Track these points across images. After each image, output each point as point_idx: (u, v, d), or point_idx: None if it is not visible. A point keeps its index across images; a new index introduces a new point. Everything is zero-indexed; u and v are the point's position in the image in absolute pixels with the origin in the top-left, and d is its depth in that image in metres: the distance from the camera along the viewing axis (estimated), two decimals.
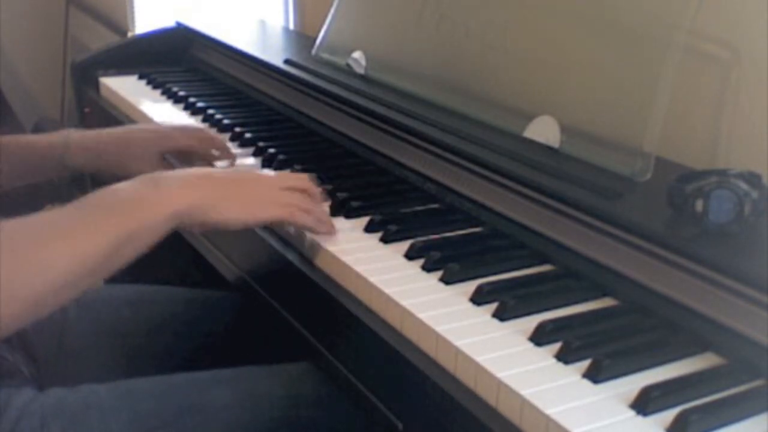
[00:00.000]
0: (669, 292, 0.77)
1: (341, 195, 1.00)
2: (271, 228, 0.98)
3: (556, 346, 0.72)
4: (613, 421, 0.63)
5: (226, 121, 1.33)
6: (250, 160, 1.19)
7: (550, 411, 0.63)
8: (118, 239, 0.78)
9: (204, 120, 1.38)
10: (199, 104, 1.43)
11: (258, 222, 0.91)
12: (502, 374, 0.68)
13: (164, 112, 1.43)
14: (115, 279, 0.83)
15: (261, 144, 1.21)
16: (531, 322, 0.75)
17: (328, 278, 0.89)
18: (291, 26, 1.87)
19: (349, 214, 0.97)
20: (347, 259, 0.87)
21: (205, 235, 1.16)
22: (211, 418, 0.92)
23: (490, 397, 0.68)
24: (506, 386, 0.67)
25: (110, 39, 2.42)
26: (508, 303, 0.77)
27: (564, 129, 0.98)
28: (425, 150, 1.06)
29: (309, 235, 0.92)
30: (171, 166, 1.12)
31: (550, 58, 1.02)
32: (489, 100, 1.08)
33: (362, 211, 0.97)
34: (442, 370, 0.73)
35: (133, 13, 2.45)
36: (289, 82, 1.38)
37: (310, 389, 0.96)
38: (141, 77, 1.63)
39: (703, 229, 0.78)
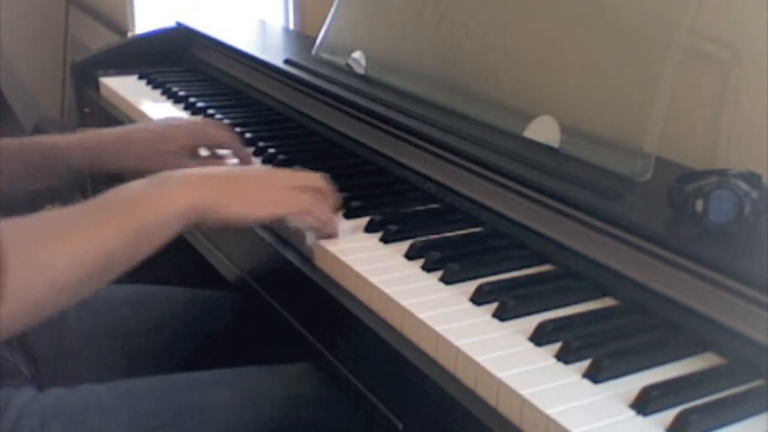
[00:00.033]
0: (669, 292, 0.77)
1: (341, 195, 1.00)
2: (271, 228, 0.98)
3: (556, 346, 0.72)
4: (613, 421, 0.63)
5: (226, 121, 1.33)
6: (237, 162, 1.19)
7: (550, 411, 0.63)
8: (118, 239, 0.77)
9: None
10: (199, 104, 1.43)
11: (258, 220, 0.90)
12: (502, 374, 0.68)
13: (164, 112, 1.43)
14: (115, 279, 0.82)
15: (261, 144, 1.21)
16: (531, 322, 0.75)
17: (328, 278, 0.89)
18: (291, 26, 1.87)
19: (349, 214, 0.97)
20: (347, 259, 0.87)
21: (205, 235, 1.16)
22: (211, 418, 0.92)
23: (490, 397, 0.68)
24: (506, 386, 0.67)
25: (110, 39, 2.42)
26: (508, 303, 0.77)
27: (564, 129, 0.98)
28: (425, 150, 1.06)
29: (309, 235, 0.92)
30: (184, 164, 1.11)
31: (550, 58, 1.02)
32: (489, 100, 1.08)
33: (362, 211, 0.97)
34: (442, 370, 0.73)
35: (133, 13, 2.45)
36: (289, 82, 1.38)
37: (310, 389, 0.96)
38: (141, 77, 1.63)
39: (703, 229, 0.78)
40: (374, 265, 0.86)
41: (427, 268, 0.85)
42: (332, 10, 1.37)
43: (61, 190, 1.09)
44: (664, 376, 0.69)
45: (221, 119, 1.34)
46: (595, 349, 0.71)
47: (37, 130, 2.61)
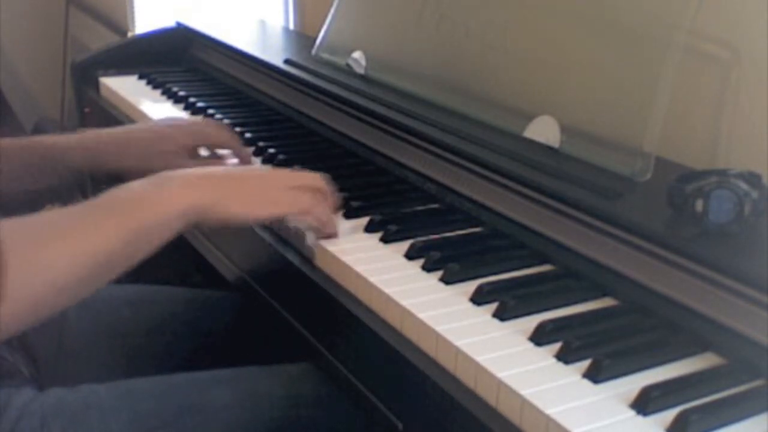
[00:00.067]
0: (669, 292, 0.77)
1: (341, 195, 1.00)
2: (271, 228, 0.98)
3: (556, 346, 0.72)
4: (613, 421, 0.63)
5: (226, 121, 1.33)
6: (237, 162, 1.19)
7: (550, 411, 0.63)
8: (118, 239, 0.77)
9: None
10: (199, 104, 1.43)
11: (258, 220, 0.90)
12: (502, 374, 0.68)
13: (164, 112, 1.43)
14: (115, 279, 0.82)
15: (261, 144, 1.21)
16: (531, 322, 0.75)
17: (328, 278, 0.89)
18: (291, 26, 1.87)
19: (349, 214, 0.97)
20: (347, 259, 0.87)
21: (205, 235, 1.16)
22: (211, 418, 0.92)
23: (490, 397, 0.68)
24: (506, 386, 0.67)
25: (110, 39, 2.42)
26: (508, 303, 0.77)
27: (564, 129, 0.98)
28: (425, 150, 1.06)
29: (309, 235, 0.92)
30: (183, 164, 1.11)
31: (550, 58, 1.02)
32: (489, 100, 1.08)
33: (362, 211, 0.97)
34: (442, 370, 0.73)
35: (133, 13, 2.45)
36: (289, 82, 1.38)
37: (310, 389, 0.96)
38: (141, 77, 1.63)
39: (703, 229, 0.78)
40: (374, 265, 0.86)
41: (427, 268, 0.85)
42: (332, 10, 1.37)
43: (61, 190, 1.09)
44: (664, 376, 0.69)
45: (221, 119, 1.34)
46: (595, 349, 0.71)
47: (37, 130, 2.61)
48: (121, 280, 0.81)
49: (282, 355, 0.99)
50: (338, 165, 1.14)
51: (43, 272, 0.72)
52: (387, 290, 0.81)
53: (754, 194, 0.77)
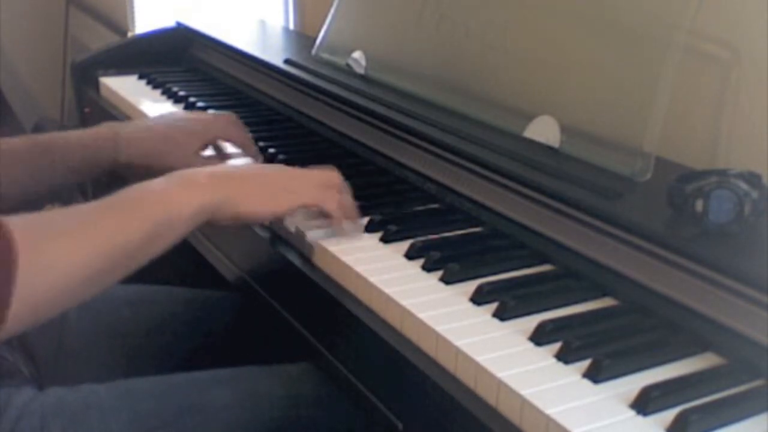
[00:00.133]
0: (669, 292, 0.77)
1: None
2: (271, 228, 0.98)
3: (556, 346, 0.72)
4: (613, 421, 0.63)
5: None
6: (250, 160, 1.19)
7: (550, 411, 0.63)
8: (117, 239, 0.77)
9: None
10: (199, 104, 1.43)
11: (276, 215, 0.91)
12: (502, 374, 0.68)
13: (164, 112, 1.43)
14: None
15: (261, 144, 1.21)
16: (531, 322, 0.75)
17: (328, 278, 0.89)
18: (291, 26, 1.87)
19: None
20: (347, 259, 0.87)
21: (206, 235, 1.16)
22: (211, 418, 0.92)
23: (490, 397, 0.68)
24: (506, 386, 0.67)
25: (110, 39, 2.42)
26: (508, 303, 0.77)
27: (564, 129, 0.98)
28: (425, 150, 1.06)
29: (309, 235, 0.92)
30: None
31: (550, 58, 1.02)
32: (489, 100, 1.08)
33: (362, 211, 0.97)
34: (442, 370, 0.73)
35: (133, 13, 2.44)
36: (289, 82, 1.38)
37: (310, 389, 0.96)
38: (141, 77, 1.63)
39: (703, 229, 0.78)
40: (374, 265, 0.86)
41: (427, 268, 0.85)
42: (332, 10, 1.37)
43: (61, 191, 1.09)
44: (664, 376, 0.69)
45: None
46: (595, 349, 0.71)
47: (37, 130, 2.61)
48: (121, 280, 0.80)
49: (282, 355, 0.99)
50: (338, 165, 1.13)
51: (42, 272, 0.72)
52: (387, 290, 0.81)
53: (754, 194, 0.77)
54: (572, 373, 0.69)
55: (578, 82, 0.99)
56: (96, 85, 1.65)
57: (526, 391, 0.66)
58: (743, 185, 0.78)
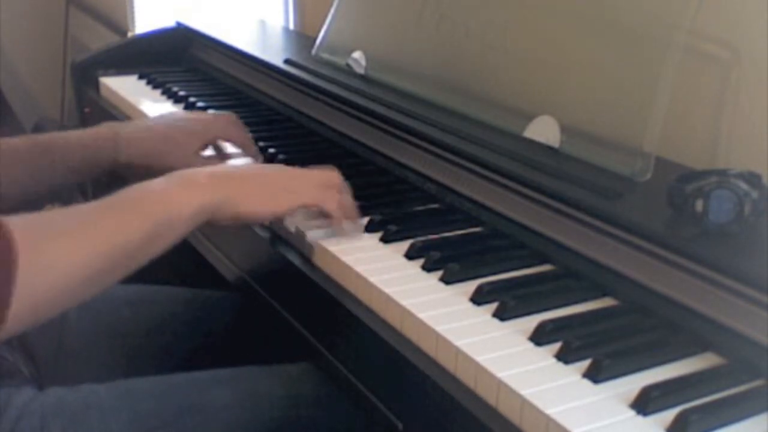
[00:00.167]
0: (669, 292, 0.77)
1: None
2: (271, 228, 0.98)
3: (556, 346, 0.72)
4: (613, 421, 0.63)
5: None
6: (250, 160, 1.19)
7: (550, 411, 0.63)
8: (117, 239, 0.77)
9: None
10: (199, 104, 1.43)
11: (276, 215, 0.91)
12: (502, 374, 0.68)
13: (164, 113, 1.43)
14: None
15: (261, 144, 1.21)
16: (531, 322, 0.75)
17: (328, 278, 0.89)
18: (291, 26, 1.87)
19: None
20: (347, 259, 0.87)
21: (206, 235, 1.16)
22: (211, 418, 0.92)
23: (490, 397, 0.68)
24: (506, 386, 0.67)
25: (110, 39, 2.42)
26: (508, 303, 0.77)
27: (564, 129, 0.98)
28: (425, 150, 1.06)
29: (309, 235, 0.92)
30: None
31: (550, 58, 1.02)
32: (489, 100, 1.08)
33: (362, 211, 0.97)
34: (442, 370, 0.73)
35: (133, 13, 2.44)
36: (289, 82, 1.38)
37: (310, 389, 0.96)
38: (141, 77, 1.63)
39: (703, 229, 0.78)
40: (374, 265, 0.86)
41: (427, 268, 0.85)
42: (332, 10, 1.37)
43: (61, 191, 1.09)
44: (664, 376, 0.69)
45: None
46: (595, 349, 0.71)
47: (37, 130, 2.61)
48: (121, 280, 0.80)
49: (282, 355, 0.99)
50: (338, 165, 1.13)
51: (42, 272, 0.72)
52: (387, 290, 0.81)
53: (754, 194, 0.77)
54: (572, 373, 0.69)
55: (578, 82, 0.99)
56: (96, 85, 1.65)
57: (526, 391, 0.66)
58: (743, 185, 0.78)
